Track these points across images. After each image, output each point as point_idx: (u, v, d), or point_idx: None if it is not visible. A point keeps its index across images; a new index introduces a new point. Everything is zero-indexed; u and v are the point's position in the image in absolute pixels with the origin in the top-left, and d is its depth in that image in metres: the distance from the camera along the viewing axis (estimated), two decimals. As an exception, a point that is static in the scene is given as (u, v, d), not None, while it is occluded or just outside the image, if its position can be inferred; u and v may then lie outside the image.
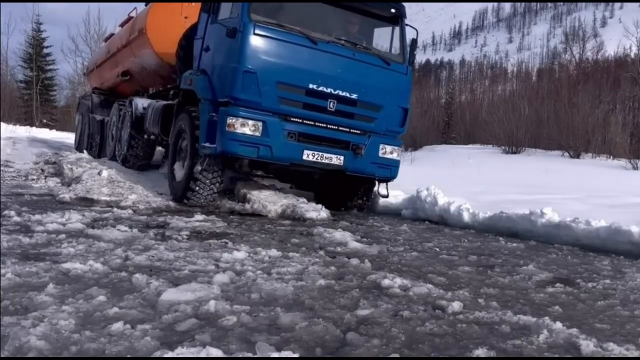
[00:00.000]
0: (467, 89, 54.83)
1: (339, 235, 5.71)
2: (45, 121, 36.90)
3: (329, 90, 6.97)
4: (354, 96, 7.16)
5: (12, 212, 5.75)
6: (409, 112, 7.80)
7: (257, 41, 6.65)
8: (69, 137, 19.52)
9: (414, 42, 7.87)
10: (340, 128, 7.24)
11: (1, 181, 8.89)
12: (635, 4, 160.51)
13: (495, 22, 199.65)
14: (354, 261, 4.50)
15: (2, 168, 10.71)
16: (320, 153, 7.08)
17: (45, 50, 40.79)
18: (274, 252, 4.58)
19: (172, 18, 9.49)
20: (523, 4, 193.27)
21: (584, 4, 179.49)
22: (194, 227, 5.77)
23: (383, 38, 7.97)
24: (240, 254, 4.44)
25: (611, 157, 20.74)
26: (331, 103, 7.04)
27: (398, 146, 7.78)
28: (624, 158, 18.90)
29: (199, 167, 7.03)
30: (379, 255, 4.98)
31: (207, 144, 6.86)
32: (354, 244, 5.33)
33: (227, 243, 4.95)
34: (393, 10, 7.69)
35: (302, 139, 6.98)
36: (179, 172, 7.71)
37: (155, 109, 9.28)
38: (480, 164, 11.75)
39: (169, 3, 9.84)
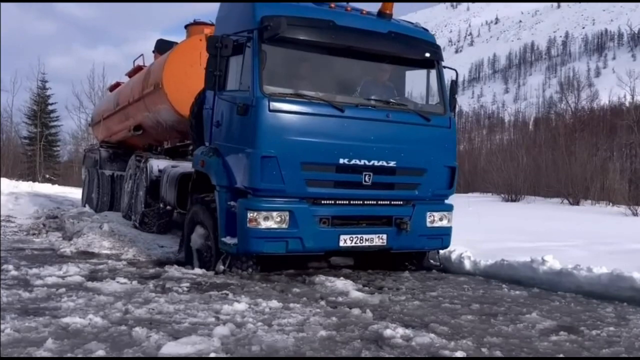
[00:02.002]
0: (465, 138, 55.44)
1: (340, 284, 5.67)
2: (47, 176, 37.16)
3: (362, 162, 6.02)
4: (393, 164, 6.19)
5: (10, 267, 5.76)
6: (456, 170, 6.77)
7: (274, 119, 5.71)
8: (72, 192, 19.60)
9: (454, 85, 7.02)
10: (379, 202, 6.34)
11: (2, 236, 8.91)
12: (629, 55, 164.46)
13: (491, 73, 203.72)
14: (356, 311, 4.47)
15: (4, 223, 10.74)
16: (360, 235, 6.14)
17: (50, 107, 41.50)
18: (274, 303, 4.56)
19: (190, 70, 8.69)
20: (518, 56, 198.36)
21: (577, 55, 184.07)
22: (194, 278, 5.76)
23: (414, 78, 7.02)
24: (241, 305, 4.43)
25: (610, 203, 20.74)
26: (367, 176, 6.09)
27: (448, 211, 6.77)
28: (623, 204, 18.89)
29: (221, 267, 6.11)
30: (380, 304, 4.95)
31: (227, 239, 5.93)
32: (356, 294, 5.29)
33: (227, 294, 4.94)
34: (428, 55, 6.63)
35: (337, 222, 6.06)
36: (199, 264, 6.71)
37: (170, 178, 8.29)
38: (480, 212, 11.77)
39: (184, 55, 9.09)
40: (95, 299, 4.47)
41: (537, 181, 25.75)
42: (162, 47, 10.61)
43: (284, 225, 5.80)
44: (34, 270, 5.62)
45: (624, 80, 47.84)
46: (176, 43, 10.12)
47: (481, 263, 7.04)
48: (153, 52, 11.20)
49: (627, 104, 45.57)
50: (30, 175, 36.46)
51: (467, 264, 7.17)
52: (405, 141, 6.32)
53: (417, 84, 7.05)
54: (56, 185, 25.51)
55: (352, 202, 6.20)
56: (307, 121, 5.87)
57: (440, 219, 6.70)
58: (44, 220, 11.93)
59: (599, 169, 23.45)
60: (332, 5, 6.43)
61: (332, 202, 6.10)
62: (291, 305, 4.60)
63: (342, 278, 6.00)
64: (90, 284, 5.09)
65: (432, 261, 7.25)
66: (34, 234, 9.73)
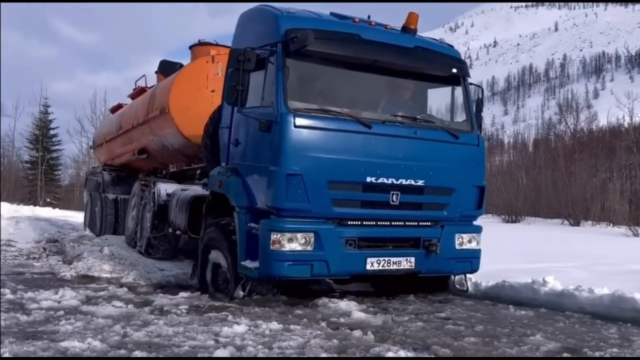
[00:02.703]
0: (465, 160, 55.41)
1: (344, 304, 5.58)
2: (48, 200, 37.18)
3: (390, 180, 5.78)
4: (421, 183, 5.94)
5: (7, 290, 5.74)
6: (485, 190, 6.50)
7: (299, 135, 5.45)
8: (72, 216, 19.57)
9: (480, 102, 6.81)
10: (407, 223, 6.09)
11: (2, 261, 8.89)
12: (626, 77, 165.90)
13: (490, 95, 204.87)
14: (357, 333, 4.42)
15: (4, 248, 10.71)
16: (387, 258, 5.88)
17: (52, 132, 41.72)
18: (274, 325, 4.52)
19: (197, 93, 8.56)
20: (517, 78, 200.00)
21: (575, 77, 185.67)
22: (192, 301, 5.73)
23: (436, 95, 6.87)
24: (241, 327, 4.39)
25: (611, 224, 20.76)
26: (394, 195, 5.85)
27: (477, 233, 6.52)
28: (623, 225, 18.90)
29: (240, 293, 5.79)
30: (383, 326, 4.88)
31: (247, 263, 5.63)
32: (358, 314, 5.22)
33: (227, 316, 4.90)
34: (455, 70, 6.50)
35: (363, 244, 5.79)
36: (215, 291, 6.40)
37: (181, 202, 7.92)
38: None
39: (190, 78, 8.86)
40: (94, 322, 4.44)
41: (537, 202, 25.82)
42: (166, 68, 10.42)
43: (308, 248, 5.51)
44: (29, 294, 5.60)
45: (622, 101, 48.21)
46: (180, 64, 9.96)
47: (482, 284, 7.00)
48: (156, 72, 10.96)
49: (625, 125, 45.92)
50: (31, 199, 36.47)
51: (469, 286, 7.12)
52: (433, 159, 6.10)
53: (438, 101, 6.91)
54: (57, 209, 25.48)
55: (379, 223, 5.96)
56: (333, 138, 5.62)
57: (469, 241, 6.45)
58: (44, 244, 11.90)
59: (598, 190, 23.55)
60: (356, 20, 6.29)
61: (359, 223, 5.83)
62: (292, 327, 4.56)
63: (346, 299, 5.90)
64: (85, 308, 5.06)
65: (457, 286, 6.85)
66: (34, 258, 9.70)
